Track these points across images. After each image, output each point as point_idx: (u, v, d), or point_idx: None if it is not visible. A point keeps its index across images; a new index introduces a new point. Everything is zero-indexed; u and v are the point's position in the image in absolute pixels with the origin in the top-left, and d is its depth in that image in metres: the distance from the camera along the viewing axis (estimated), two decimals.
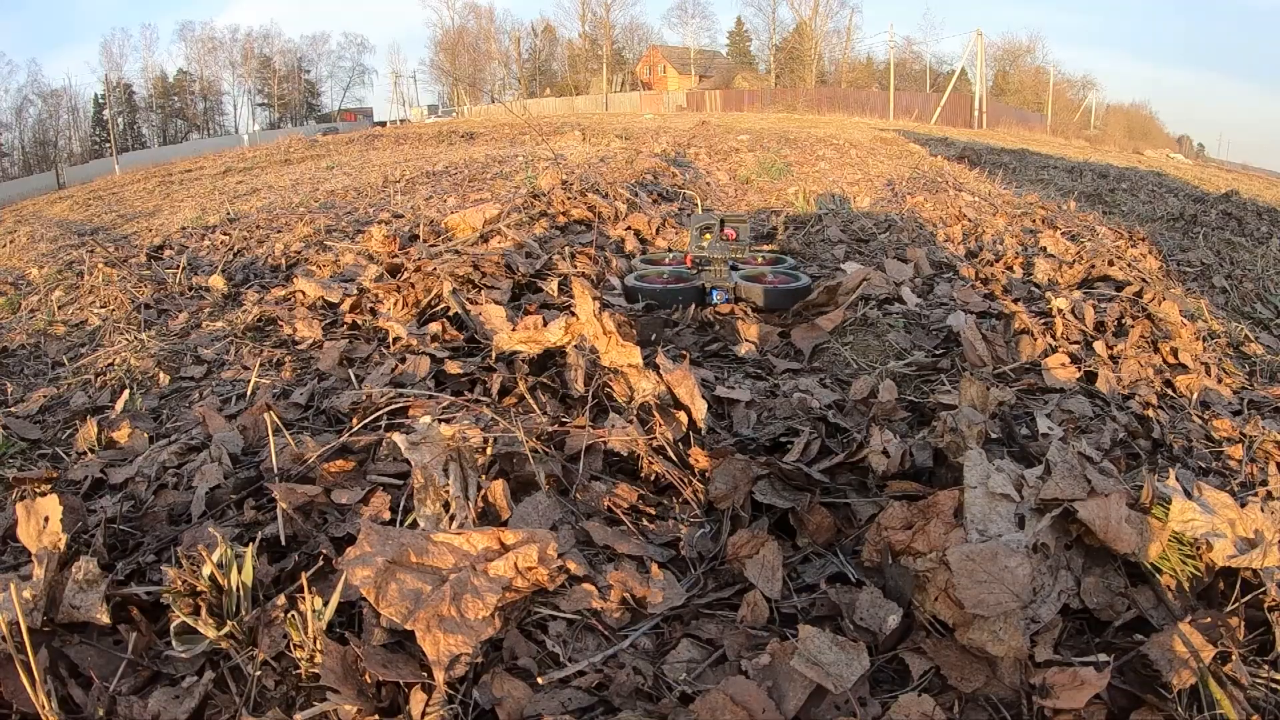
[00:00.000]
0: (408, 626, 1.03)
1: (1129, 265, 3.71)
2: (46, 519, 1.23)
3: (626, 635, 1.18)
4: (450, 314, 2.49)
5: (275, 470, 1.55)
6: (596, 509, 1.47)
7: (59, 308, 3.51)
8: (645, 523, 1.47)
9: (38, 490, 1.55)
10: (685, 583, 1.31)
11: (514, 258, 3.05)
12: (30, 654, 1.01)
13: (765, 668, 1.07)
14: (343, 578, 1.11)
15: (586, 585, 1.23)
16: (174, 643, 1.10)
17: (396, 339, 2.34)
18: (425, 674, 1.01)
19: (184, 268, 3.83)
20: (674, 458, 1.59)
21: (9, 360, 2.85)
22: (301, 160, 13.19)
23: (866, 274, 2.92)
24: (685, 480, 1.55)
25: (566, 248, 3.38)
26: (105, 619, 1.14)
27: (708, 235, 3.21)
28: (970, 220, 4.81)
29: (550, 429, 1.65)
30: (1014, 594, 1.06)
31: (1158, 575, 1.19)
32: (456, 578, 1.10)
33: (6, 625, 1.04)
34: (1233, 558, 1.16)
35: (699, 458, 1.59)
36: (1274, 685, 1.03)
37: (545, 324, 1.98)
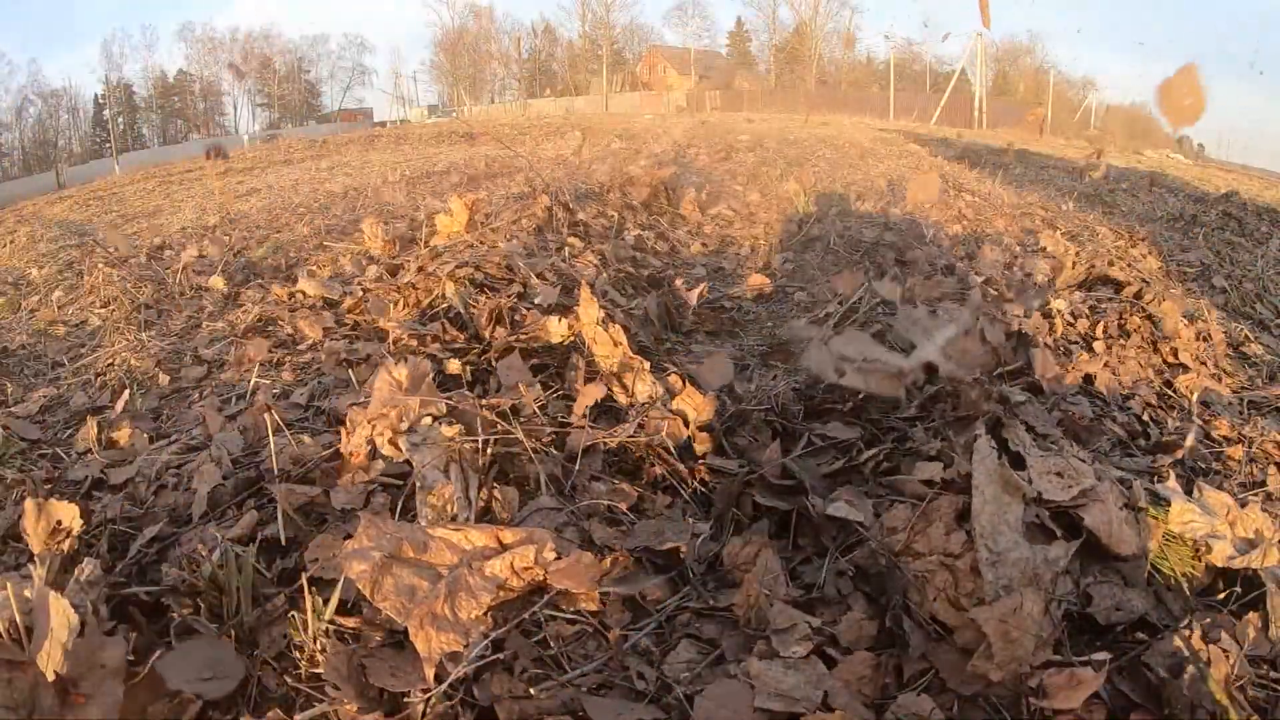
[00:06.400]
0: (401, 622, 1.03)
1: (1129, 265, 3.71)
2: (59, 522, 1.23)
3: (627, 635, 1.18)
4: (451, 314, 2.49)
5: (275, 470, 1.55)
6: (597, 509, 1.47)
7: (59, 308, 3.52)
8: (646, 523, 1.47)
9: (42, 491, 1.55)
10: (685, 587, 1.31)
11: (515, 259, 3.05)
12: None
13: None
14: (341, 577, 1.11)
15: None
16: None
17: (397, 339, 2.34)
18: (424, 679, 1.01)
19: (184, 268, 3.83)
20: (674, 458, 1.59)
21: (9, 360, 2.85)
22: (302, 160, 13.17)
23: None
24: (685, 481, 1.55)
25: (565, 248, 3.38)
26: (105, 620, 1.13)
27: None
28: (970, 220, 4.81)
29: (551, 429, 1.65)
30: (1035, 635, 1.04)
31: (1158, 576, 1.19)
32: (452, 575, 1.10)
33: (6, 625, 1.04)
34: (1232, 558, 1.16)
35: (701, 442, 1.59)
36: (1274, 685, 1.03)
37: (546, 324, 1.98)
